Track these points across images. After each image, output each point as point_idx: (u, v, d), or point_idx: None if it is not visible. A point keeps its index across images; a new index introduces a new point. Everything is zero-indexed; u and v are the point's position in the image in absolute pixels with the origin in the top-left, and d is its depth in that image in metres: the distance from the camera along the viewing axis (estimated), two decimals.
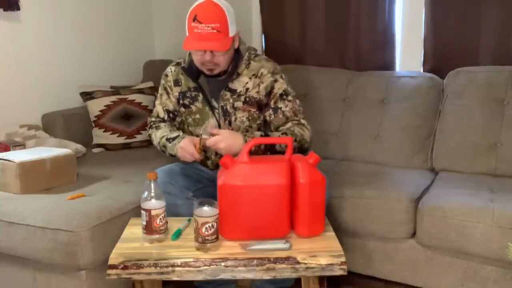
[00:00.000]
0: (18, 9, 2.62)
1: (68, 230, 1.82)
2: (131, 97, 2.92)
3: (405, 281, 2.18)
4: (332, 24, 2.91)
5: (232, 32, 1.92)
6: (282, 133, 1.98)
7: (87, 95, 2.88)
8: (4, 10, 2.56)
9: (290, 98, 2.06)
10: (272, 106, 2.05)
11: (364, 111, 2.65)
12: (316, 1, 2.93)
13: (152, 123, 2.20)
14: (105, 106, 2.85)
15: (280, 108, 2.04)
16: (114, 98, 2.89)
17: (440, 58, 2.68)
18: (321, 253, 1.58)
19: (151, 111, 2.89)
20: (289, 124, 2.02)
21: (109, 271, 1.54)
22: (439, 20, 2.64)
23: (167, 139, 2.04)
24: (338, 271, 1.56)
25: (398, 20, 2.80)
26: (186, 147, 1.93)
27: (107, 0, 3.17)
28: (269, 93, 2.04)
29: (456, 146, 2.43)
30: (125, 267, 1.54)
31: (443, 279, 2.07)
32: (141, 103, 2.93)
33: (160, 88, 2.19)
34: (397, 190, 2.17)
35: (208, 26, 1.85)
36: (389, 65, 2.82)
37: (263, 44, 3.18)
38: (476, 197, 2.06)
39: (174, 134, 2.04)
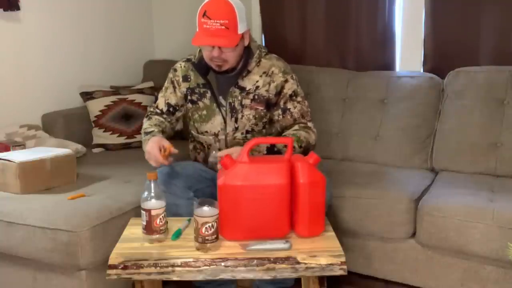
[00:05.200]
0: (18, 9, 2.62)
1: (68, 230, 1.82)
2: (131, 97, 2.92)
3: (405, 281, 2.18)
4: (332, 24, 2.91)
5: (241, 29, 1.93)
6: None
7: (87, 95, 2.88)
8: (4, 10, 2.56)
9: (299, 99, 2.07)
10: (281, 106, 2.06)
11: (364, 111, 2.65)
12: (316, 1, 2.92)
13: (149, 113, 2.21)
14: (105, 106, 2.85)
15: (289, 109, 2.05)
16: (114, 98, 2.89)
17: (440, 58, 2.68)
18: (321, 253, 1.58)
19: None
20: (296, 127, 2.03)
21: (109, 271, 1.54)
22: (439, 20, 2.64)
23: (145, 133, 2.05)
24: (338, 271, 1.56)
25: (398, 20, 2.80)
26: (152, 152, 1.89)
27: (107, 0, 3.17)
28: (279, 92, 2.05)
29: (456, 146, 2.43)
30: (125, 267, 1.54)
31: (443, 279, 2.07)
32: (141, 103, 2.93)
33: (166, 81, 2.19)
34: (397, 190, 2.17)
35: (216, 22, 1.86)
36: (389, 65, 2.82)
37: (263, 44, 3.18)
38: (476, 197, 2.06)
39: (150, 130, 2.04)
